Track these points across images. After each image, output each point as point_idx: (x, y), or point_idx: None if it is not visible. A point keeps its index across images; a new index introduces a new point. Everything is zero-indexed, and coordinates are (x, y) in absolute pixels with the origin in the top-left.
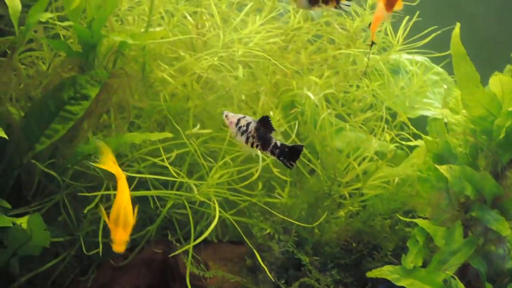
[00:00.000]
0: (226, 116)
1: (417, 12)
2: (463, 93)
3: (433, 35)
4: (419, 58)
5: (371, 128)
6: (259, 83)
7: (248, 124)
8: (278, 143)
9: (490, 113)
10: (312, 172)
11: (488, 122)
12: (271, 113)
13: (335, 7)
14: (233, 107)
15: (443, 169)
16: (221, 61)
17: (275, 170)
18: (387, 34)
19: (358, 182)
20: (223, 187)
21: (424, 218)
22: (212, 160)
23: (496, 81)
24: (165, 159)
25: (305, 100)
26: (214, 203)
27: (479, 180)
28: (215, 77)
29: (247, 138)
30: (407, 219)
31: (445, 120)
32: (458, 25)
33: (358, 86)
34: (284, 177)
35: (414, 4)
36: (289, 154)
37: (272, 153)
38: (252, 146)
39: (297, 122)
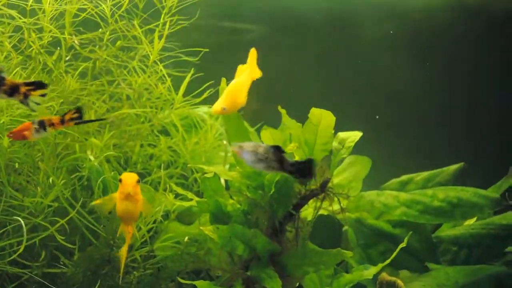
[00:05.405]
0: (241, 147)
1: None
2: None
3: None
4: None
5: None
6: (38, 148)
7: (267, 151)
8: (292, 161)
9: None
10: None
11: (262, 177)
12: (51, 180)
13: (21, 101)
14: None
15: (208, 230)
16: None
17: (59, 238)
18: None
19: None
20: (3, 261)
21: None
22: None
23: (266, 135)
24: None
25: (86, 163)
26: None
27: (250, 238)
28: None
29: (268, 164)
30: (187, 282)
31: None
32: (223, 80)
33: (154, 145)
34: (69, 245)
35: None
36: (302, 170)
37: (289, 171)
38: (270, 169)
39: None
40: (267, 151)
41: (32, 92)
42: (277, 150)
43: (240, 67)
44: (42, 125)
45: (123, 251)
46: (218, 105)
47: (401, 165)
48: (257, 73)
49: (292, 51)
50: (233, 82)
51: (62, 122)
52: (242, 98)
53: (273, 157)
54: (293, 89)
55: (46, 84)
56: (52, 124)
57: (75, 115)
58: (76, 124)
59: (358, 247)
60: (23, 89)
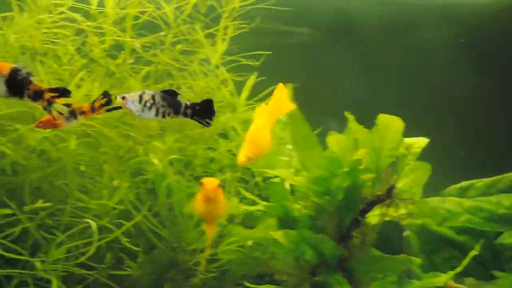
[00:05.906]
0: (124, 98)
1: None
2: (301, 154)
3: None
4: None
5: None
6: (103, 151)
7: (153, 97)
8: (188, 103)
9: (331, 173)
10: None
11: (329, 182)
12: (115, 182)
13: (45, 108)
14: (74, 177)
15: (277, 235)
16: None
17: (124, 240)
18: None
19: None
20: (70, 262)
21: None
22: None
23: (333, 140)
24: None
25: (149, 166)
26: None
27: (319, 243)
28: (50, 149)
29: (157, 110)
30: (254, 286)
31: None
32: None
33: (213, 148)
34: (134, 247)
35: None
36: (201, 111)
37: (185, 114)
38: (163, 116)
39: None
40: (154, 97)
41: (56, 100)
42: (168, 93)
43: (259, 108)
44: (72, 113)
45: (206, 246)
46: (243, 156)
47: (458, 171)
48: (287, 107)
49: (346, 55)
50: (252, 127)
51: (93, 109)
52: (265, 141)
53: (162, 102)
54: (347, 94)
55: (69, 91)
56: (83, 112)
57: (104, 100)
58: (107, 111)
59: (421, 253)
60: (47, 95)
